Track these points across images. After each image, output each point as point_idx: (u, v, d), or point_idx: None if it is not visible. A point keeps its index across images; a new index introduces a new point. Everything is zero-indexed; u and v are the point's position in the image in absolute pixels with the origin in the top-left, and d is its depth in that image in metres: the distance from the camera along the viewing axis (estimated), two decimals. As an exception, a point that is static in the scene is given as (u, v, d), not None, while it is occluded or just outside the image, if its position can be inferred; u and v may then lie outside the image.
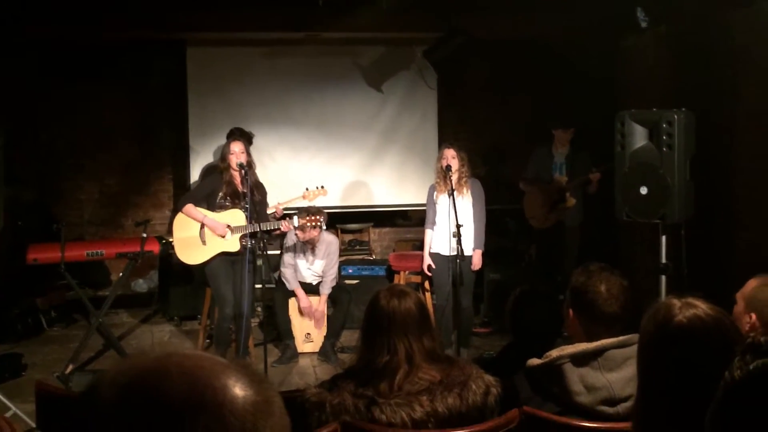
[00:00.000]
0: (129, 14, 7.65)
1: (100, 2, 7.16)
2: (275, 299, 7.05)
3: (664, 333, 2.01)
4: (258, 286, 6.63)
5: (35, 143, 9.07)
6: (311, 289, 7.13)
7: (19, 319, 7.59)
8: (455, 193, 6.36)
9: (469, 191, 6.64)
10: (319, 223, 6.50)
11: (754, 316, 3.01)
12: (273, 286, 7.35)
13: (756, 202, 6.39)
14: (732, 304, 3.10)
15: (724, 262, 6.66)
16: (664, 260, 5.50)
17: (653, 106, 5.78)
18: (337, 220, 9.08)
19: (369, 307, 2.99)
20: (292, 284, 7.05)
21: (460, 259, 6.21)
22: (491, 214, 6.99)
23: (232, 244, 6.29)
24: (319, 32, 8.33)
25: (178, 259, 6.55)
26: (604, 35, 8.23)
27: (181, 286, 8.03)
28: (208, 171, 8.31)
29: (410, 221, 9.64)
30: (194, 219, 6.32)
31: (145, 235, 6.78)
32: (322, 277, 7.10)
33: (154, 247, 7.19)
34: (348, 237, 9.43)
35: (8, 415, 5.07)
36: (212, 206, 6.36)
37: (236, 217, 6.28)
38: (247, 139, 7.56)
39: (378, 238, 9.76)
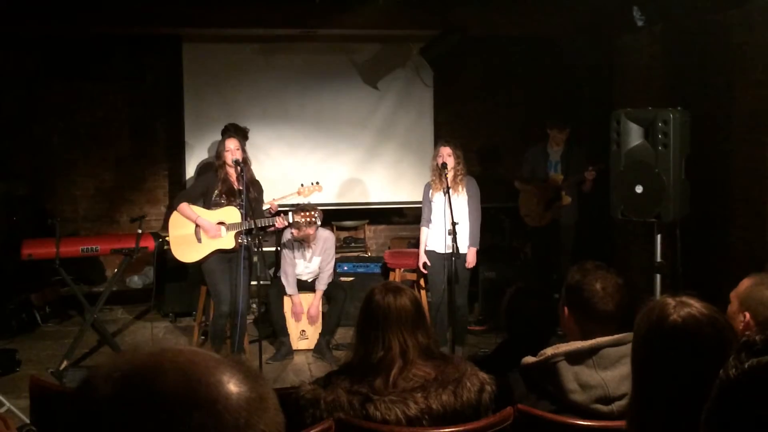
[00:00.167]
0: (124, 9, 7.64)
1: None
2: (270, 296, 7.04)
3: (658, 332, 2.02)
4: (253, 282, 6.62)
5: (30, 138, 9.05)
6: (307, 286, 7.13)
7: (13, 315, 7.57)
8: (450, 191, 6.36)
9: (465, 189, 6.64)
10: (313, 220, 6.49)
11: (748, 315, 3.01)
12: (268, 283, 7.35)
13: (751, 202, 6.40)
14: (727, 303, 3.10)
15: (719, 261, 6.67)
16: (659, 259, 5.51)
17: (649, 104, 5.79)
18: (333, 217, 9.08)
19: (364, 304, 3.00)
20: (289, 290, 7.04)
21: (456, 256, 6.21)
22: (486, 212, 6.99)
23: (228, 241, 6.28)
24: (315, 29, 8.32)
25: (174, 256, 6.54)
26: (600, 33, 8.24)
27: (177, 282, 8.01)
28: (203, 168, 8.30)
29: (406, 219, 9.64)
30: (188, 218, 6.31)
31: (140, 231, 6.77)
32: (317, 273, 7.11)
33: (149, 244, 7.18)
34: (343, 234, 9.43)
35: (2, 410, 5.06)
36: (208, 204, 6.35)
37: (231, 214, 6.27)
38: (243, 134, 7.55)
39: (373, 235, 9.76)
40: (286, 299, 7.05)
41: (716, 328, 1.99)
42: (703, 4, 6.52)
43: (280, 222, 6.35)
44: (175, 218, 6.42)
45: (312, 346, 7.02)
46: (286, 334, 6.99)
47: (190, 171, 8.78)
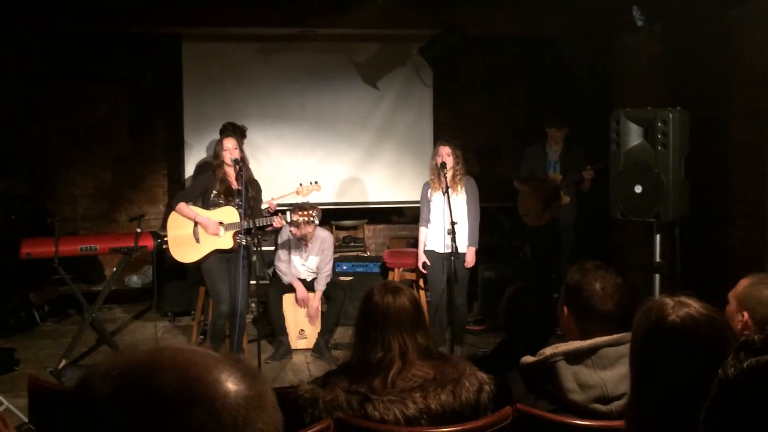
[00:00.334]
0: (124, 8, 7.64)
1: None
2: (269, 295, 7.04)
3: (657, 332, 2.02)
4: (252, 282, 6.61)
5: (29, 137, 9.05)
6: (306, 286, 7.12)
7: (12, 314, 7.56)
8: (450, 190, 6.36)
9: (464, 189, 6.64)
10: (311, 218, 6.49)
11: (746, 315, 3.01)
12: (267, 282, 7.35)
13: (749, 202, 6.40)
14: (725, 302, 3.10)
15: (718, 260, 6.67)
16: (658, 259, 5.51)
17: (648, 104, 5.79)
18: (332, 216, 9.08)
19: (363, 304, 2.99)
20: (288, 276, 7.04)
21: (455, 256, 6.21)
22: (485, 212, 7.00)
23: (226, 241, 6.27)
24: (315, 28, 8.32)
25: (172, 257, 6.54)
26: (599, 33, 8.24)
27: (175, 281, 8.01)
28: (201, 167, 8.30)
29: (405, 218, 9.64)
30: (187, 218, 6.31)
31: (139, 230, 6.76)
32: (316, 273, 7.10)
33: (148, 243, 7.17)
34: (342, 233, 9.43)
35: (1, 409, 5.06)
36: (206, 204, 6.34)
37: (229, 214, 6.27)
38: (241, 133, 7.55)
39: (372, 234, 9.76)
40: (285, 299, 7.04)
41: (715, 327, 1.99)
42: (702, 4, 6.52)
43: (278, 221, 6.35)
44: (173, 219, 6.42)
45: (311, 346, 7.02)
46: (285, 334, 6.99)
47: (190, 170, 8.78)
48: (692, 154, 5.41)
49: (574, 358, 2.82)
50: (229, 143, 6.28)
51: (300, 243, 6.99)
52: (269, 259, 7.63)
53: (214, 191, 6.33)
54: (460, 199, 6.59)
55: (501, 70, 9.42)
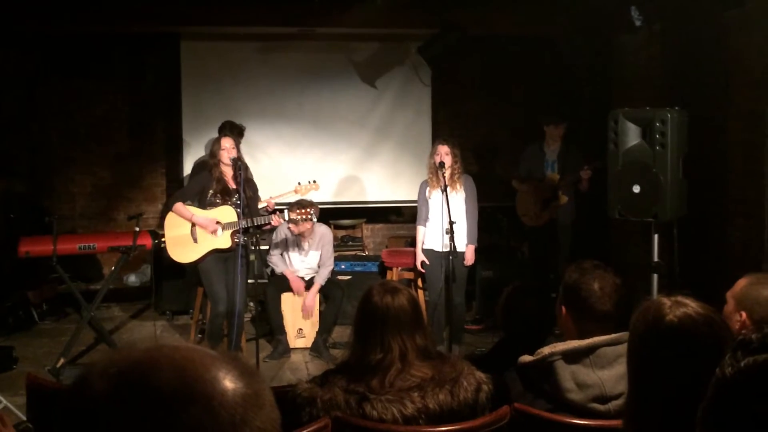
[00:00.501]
0: (123, 8, 7.64)
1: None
2: (267, 294, 7.04)
3: (654, 332, 2.02)
4: (250, 281, 6.61)
5: (28, 136, 9.04)
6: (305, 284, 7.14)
7: (10, 313, 7.56)
8: (448, 189, 6.36)
9: (462, 187, 6.64)
10: (309, 216, 6.50)
11: (744, 315, 3.01)
12: (266, 281, 7.35)
13: (748, 202, 6.41)
14: (723, 302, 3.11)
15: (716, 260, 6.68)
16: (656, 258, 5.51)
17: (647, 104, 5.79)
18: (330, 215, 9.08)
19: (362, 304, 2.99)
20: (280, 267, 7.06)
21: (453, 255, 6.21)
22: (484, 211, 7.00)
23: (224, 241, 6.27)
24: (314, 28, 8.32)
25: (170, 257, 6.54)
26: (598, 33, 8.24)
27: (174, 280, 8.01)
28: (197, 167, 8.30)
29: (403, 217, 9.64)
30: (184, 218, 6.30)
31: (137, 228, 6.76)
32: (316, 271, 7.11)
33: (147, 241, 7.17)
34: (341, 233, 9.43)
35: (-1, 408, 5.06)
36: (203, 204, 6.33)
37: (226, 213, 6.26)
38: (239, 132, 7.55)
39: (371, 234, 9.76)
40: (283, 297, 7.05)
41: (712, 327, 1.99)
42: (701, 4, 6.52)
43: (276, 220, 6.35)
44: (170, 219, 6.41)
45: (309, 345, 7.02)
46: (284, 333, 6.99)
47: (188, 169, 8.77)
48: (690, 154, 5.41)
49: (572, 357, 2.83)
50: (227, 142, 6.27)
51: (299, 240, 7.00)
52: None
53: (210, 190, 6.32)
54: (458, 197, 6.59)
55: (500, 69, 9.42)
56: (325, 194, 8.03)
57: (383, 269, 8.00)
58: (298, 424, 2.73)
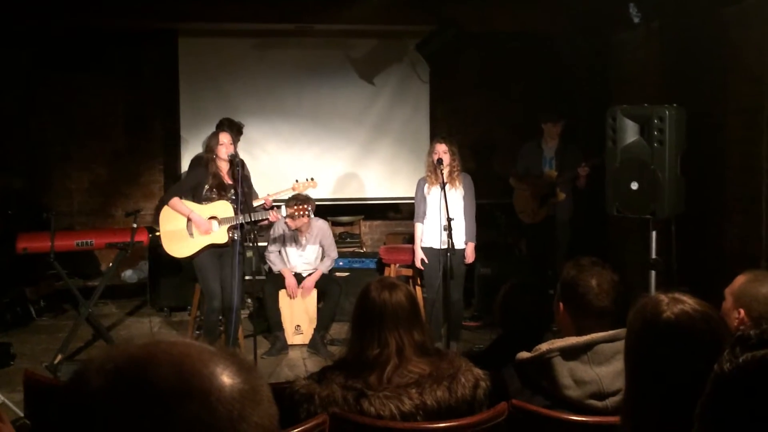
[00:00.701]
0: (121, 3, 7.63)
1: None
2: (265, 291, 7.05)
3: (652, 329, 2.02)
4: (248, 277, 6.61)
5: (25, 132, 9.03)
6: (301, 281, 7.13)
7: (7, 309, 7.56)
8: (447, 186, 6.36)
9: (461, 185, 6.64)
10: (306, 212, 6.50)
11: (742, 312, 3.02)
12: (263, 277, 7.35)
13: (746, 199, 6.41)
14: (721, 299, 3.11)
15: (714, 257, 6.68)
16: (654, 255, 5.51)
17: (645, 101, 5.79)
18: (328, 212, 9.06)
19: (359, 300, 2.99)
20: (278, 265, 7.06)
21: (451, 252, 6.21)
22: (481, 208, 7.00)
23: (220, 236, 6.27)
24: (311, 24, 8.31)
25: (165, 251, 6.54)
26: (596, 30, 8.24)
27: (171, 276, 8.01)
28: (195, 161, 8.28)
29: (401, 214, 9.64)
30: (181, 213, 6.29)
31: (135, 225, 6.75)
32: (314, 267, 7.12)
33: (144, 238, 7.16)
34: (339, 229, 9.42)
35: (-4, 404, 5.06)
36: (198, 198, 6.32)
37: (223, 208, 6.26)
38: (237, 129, 7.54)
39: (369, 230, 9.76)
40: (281, 294, 7.05)
41: (709, 324, 2.00)
42: (699, 1, 6.52)
43: (273, 216, 6.35)
44: (165, 213, 6.40)
45: (307, 341, 7.02)
46: (281, 329, 6.99)
47: (186, 165, 8.74)
48: (689, 150, 5.41)
49: (570, 354, 2.83)
50: (225, 138, 6.27)
51: (296, 235, 7.01)
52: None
53: (206, 185, 6.31)
54: (457, 195, 6.59)
55: (498, 66, 9.41)
56: (323, 191, 8.03)
57: (381, 266, 8.00)
58: (296, 420, 2.73)
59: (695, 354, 1.91)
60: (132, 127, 9.34)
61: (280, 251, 7.14)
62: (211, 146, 6.32)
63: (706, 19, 6.69)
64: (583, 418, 2.75)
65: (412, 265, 7.15)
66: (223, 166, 6.29)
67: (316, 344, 6.90)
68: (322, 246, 7.17)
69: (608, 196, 5.57)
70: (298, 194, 6.66)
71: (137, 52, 9.13)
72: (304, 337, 7.08)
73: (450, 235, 6.16)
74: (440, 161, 6.46)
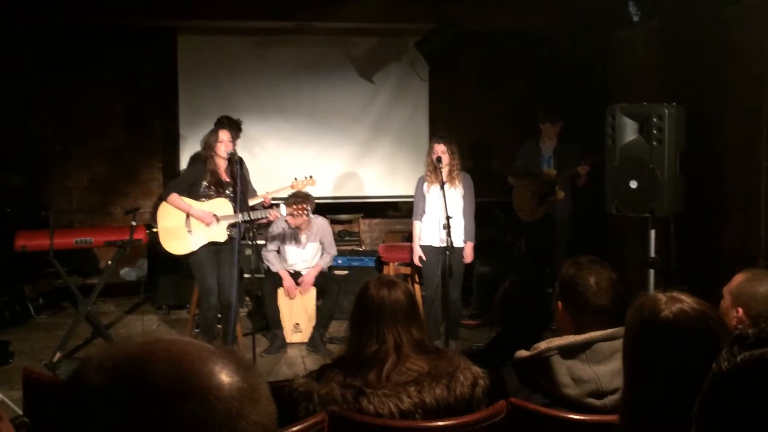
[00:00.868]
0: (120, 1, 7.62)
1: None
2: (264, 289, 7.05)
3: (650, 328, 2.02)
4: (247, 275, 6.61)
5: (24, 130, 9.02)
6: (297, 278, 7.14)
7: (6, 307, 7.56)
8: (447, 185, 6.37)
9: (461, 184, 6.64)
10: (305, 212, 6.50)
11: (741, 311, 3.02)
12: (262, 276, 7.35)
13: (744, 197, 6.41)
14: (720, 298, 3.11)
15: (713, 256, 6.69)
16: (653, 254, 5.51)
17: (644, 100, 5.79)
18: (327, 210, 9.05)
19: (358, 297, 3.00)
20: (276, 266, 7.05)
21: (450, 250, 6.21)
22: (480, 206, 7.00)
23: (219, 233, 6.27)
24: (311, 22, 8.31)
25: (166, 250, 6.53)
26: (595, 29, 8.24)
27: (170, 274, 8.00)
28: (194, 159, 8.28)
29: (400, 212, 9.64)
30: (180, 209, 6.29)
31: (134, 223, 6.75)
32: (311, 264, 7.13)
33: (143, 236, 7.17)
34: (338, 227, 9.42)
35: (-5, 402, 5.06)
36: (195, 195, 6.31)
37: (222, 206, 6.26)
38: (236, 127, 7.54)
39: (368, 229, 9.76)
40: (280, 292, 7.05)
41: (708, 323, 2.00)
42: (699, 0, 6.52)
43: (273, 215, 6.35)
44: (163, 209, 6.40)
45: (306, 339, 7.03)
46: (280, 327, 6.99)
47: (185, 163, 8.75)
48: (688, 149, 5.41)
49: (569, 352, 2.83)
50: (224, 135, 6.26)
51: (296, 232, 7.01)
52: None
53: (204, 182, 6.31)
54: (456, 193, 6.60)
55: (497, 64, 9.40)
56: (322, 189, 8.03)
57: (380, 264, 8.00)
58: (295, 418, 2.73)
59: (693, 353, 1.91)
60: (131, 126, 9.33)
61: (278, 250, 7.14)
62: (210, 143, 6.31)
63: (706, 18, 6.69)
64: (582, 417, 2.76)
65: (411, 264, 7.16)
66: (222, 164, 6.29)
67: (314, 342, 6.90)
68: (321, 243, 7.17)
69: (607, 194, 5.57)
70: (298, 192, 6.65)
71: (136, 50, 9.12)
72: (303, 336, 7.08)
73: (449, 234, 6.16)
74: (439, 159, 6.47)
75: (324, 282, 7.13)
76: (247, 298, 7.94)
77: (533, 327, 3.58)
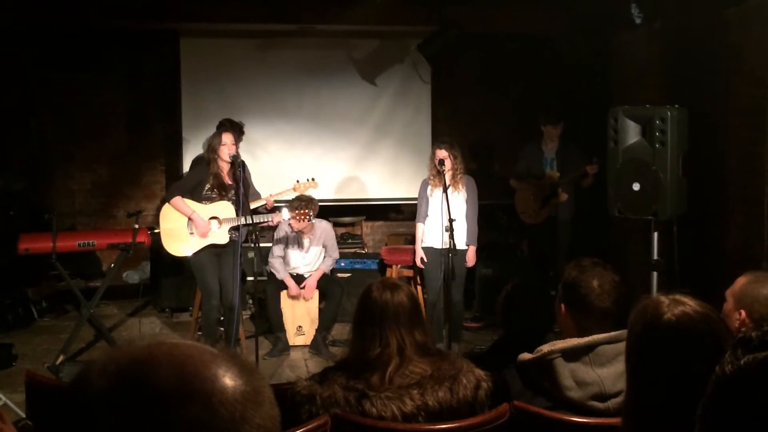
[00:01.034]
0: (122, 3, 7.63)
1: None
2: (267, 291, 7.05)
3: (653, 330, 2.02)
4: (250, 278, 6.60)
5: (26, 133, 9.03)
6: (300, 281, 7.13)
7: (9, 310, 7.56)
8: (450, 189, 6.37)
9: (464, 188, 6.64)
10: (308, 216, 6.50)
11: (743, 313, 3.01)
12: (265, 278, 7.35)
13: (747, 200, 6.41)
14: (723, 300, 3.11)
15: (716, 258, 6.68)
16: (655, 256, 5.51)
17: (646, 102, 5.79)
18: (330, 213, 9.05)
19: (361, 300, 3.00)
20: (281, 273, 7.05)
21: (452, 253, 6.21)
22: (483, 209, 7.00)
23: (222, 236, 6.28)
24: (313, 25, 8.32)
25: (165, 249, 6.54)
26: (597, 31, 8.24)
27: (173, 277, 8.01)
28: (197, 162, 8.29)
29: (403, 215, 9.64)
30: (182, 213, 6.30)
31: (136, 226, 6.76)
32: (313, 268, 7.13)
33: (146, 239, 7.16)
34: (340, 230, 9.42)
35: (-2, 405, 5.06)
36: (197, 198, 6.32)
37: (225, 209, 6.27)
38: (238, 129, 7.55)
39: (370, 231, 9.76)
40: (282, 295, 7.05)
41: (710, 326, 2.00)
42: (701, 2, 6.52)
43: (275, 219, 6.36)
44: (166, 210, 6.41)
45: (308, 342, 7.02)
46: (283, 330, 6.99)
47: (187, 166, 8.75)
48: (690, 151, 5.41)
49: (572, 355, 2.83)
50: (227, 138, 6.27)
51: (299, 236, 7.00)
52: (266, 256, 7.62)
53: (207, 185, 6.32)
54: (459, 197, 6.59)
55: (499, 67, 9.40)
56: (324, 192, 8.03)
57: (383, 267, 8.00)
58: (298, 421, 2.73)
59: (696, 355, 1.91)
60: (133, 128, 9.34)
61: (283, 256, 7.11)
62: (213, 146, 6.32)
63: (708, 21, 6.69)
64: (585, 420, 2.75)
65: (413, 266, 7.16)
66: (224, 167, 6.29)
67: (317, 345, 6.90)
68: (324, 246, 7.17)
69: (610, 196, 5.57)
70: (302, 196, 6.64)
71: (138, 52, 9.13)
72: (306, 338, 7.08)
73: (452, 236, 6.15)
74: (442, 163, 6.46)
75: (327, 285, 7.13)
76: (250, 301, 7.93)
77: (536, 330, 3.58)
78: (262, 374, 0.99)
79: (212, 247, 6.30)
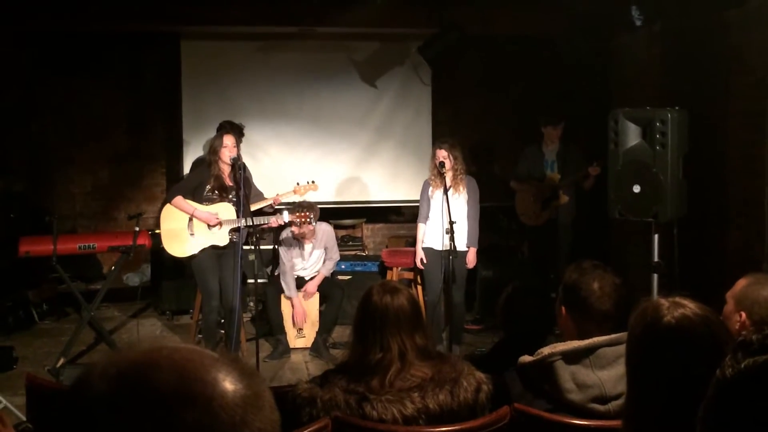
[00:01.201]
0: (123, 6, 7.64)
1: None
2: (267, 294, 7.04)
3: (653, 333, 2.02)
4: (251, 281, 6.60)
5: (27, 135, 9.04)
6: (302, 284, 7.13)
7: (10, 312, 7.56)
8: (451, 190, 6.36)
9: (465, 189, 6.63)
10: (308, 219, 6.50)
11: (744, 315, 3.02)
12: (266, 281, 7.35)
13: (748, 202, 6.41)
14: (723, 303, 3.11)
15: (716, 261, 6.68)
16: (656, 259, 5.51)
17: (647, 104, 5.79)
18: (330, 215, 9.06)
19: (361, 304, 2.99)
20: (291, 292, 7.00)
21: (453, 255, 6.21)
22: (484, 210, 6.99)
23: (222, 237, 6.28)
24: (314, 27, 8.32)
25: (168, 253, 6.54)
26: (598, 33, 8.24)
27: (174, 280, 8.00)
28: (197, 163, 8.29)
29: (403, 217, 9.64)
30: (184, 211, 6.31)
31: (137, 228, 6.76)
32: (317, 272, 7.12)
33: (146, 241, 7.17)
34: (341, 232, 9.42)
35: (-2, 408, 5.06)
36: (198, 199, 6.33)
37: (226, 210, 6.27)
38: (238, 131, 7.55)
39: (371, 233, 9.76)
40: (283, 297, 7.04)
41: (710, 328, 2.00)
42: (701, 3, 6.52)
43: (275, 221, 6.36)
44: (167, 211, 6.41)
45: (309, 345, 7.02)
46: (283, 333, 6.99)
47: (188, 168, 8.75)
48: (691, 153, 5.41)
49: (572, 357, 2.83)
50: (228, 140, 6.28)
51: (300, 241, 6.99)
52: (267, 258, 7.62)
53: (207, 186, 6.33)
54: (460, 198, 6.58)
55: (499, 68, 9.40)
56: (325, 194, 8.03)
57: (383, 269, 8.00)
58: (298, 424, 2.73)
59: (696, 358, 1.91)
60: (134, 130, 9.35)
61: (292, 267, 7.08)
62: (214, 147, 6.33)
63: (708, 22, 6.69)
64: (586, 422, 2.75)
65: (414, 268, 7.15)
66: (225, 168, 6.30)
67: (318, 348, 6.90)
68: (325, 249, 7.17)
69: (610, 199, 5.57)
70: (302, 202, 6.65)
71: (139, 54, 9.14)
72: (307, 341, 7.08)
73: (452, 238, 6.15)
74: (442, 164, 6.46)
75: (327, 287, 7.12)
76: (251, 303, 7.93)
77: (536, 332, 3.58)
78: (263, 378, 0.99)
79: (213, 249, 6.31)
